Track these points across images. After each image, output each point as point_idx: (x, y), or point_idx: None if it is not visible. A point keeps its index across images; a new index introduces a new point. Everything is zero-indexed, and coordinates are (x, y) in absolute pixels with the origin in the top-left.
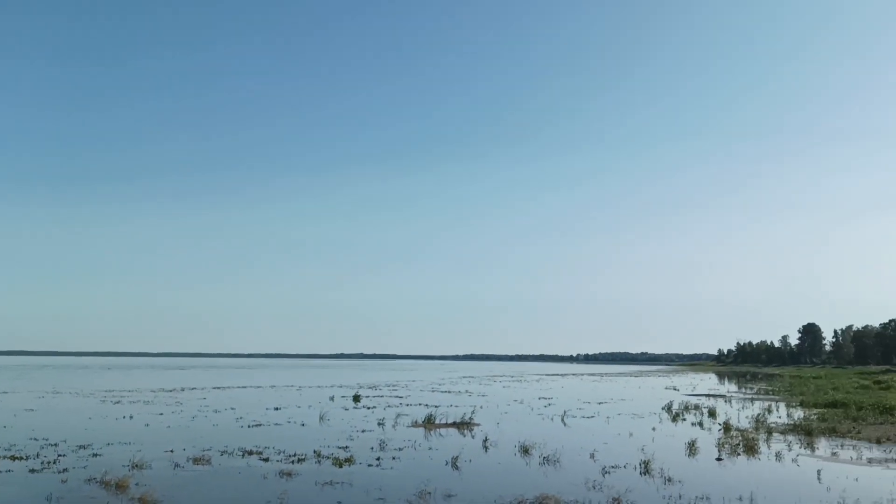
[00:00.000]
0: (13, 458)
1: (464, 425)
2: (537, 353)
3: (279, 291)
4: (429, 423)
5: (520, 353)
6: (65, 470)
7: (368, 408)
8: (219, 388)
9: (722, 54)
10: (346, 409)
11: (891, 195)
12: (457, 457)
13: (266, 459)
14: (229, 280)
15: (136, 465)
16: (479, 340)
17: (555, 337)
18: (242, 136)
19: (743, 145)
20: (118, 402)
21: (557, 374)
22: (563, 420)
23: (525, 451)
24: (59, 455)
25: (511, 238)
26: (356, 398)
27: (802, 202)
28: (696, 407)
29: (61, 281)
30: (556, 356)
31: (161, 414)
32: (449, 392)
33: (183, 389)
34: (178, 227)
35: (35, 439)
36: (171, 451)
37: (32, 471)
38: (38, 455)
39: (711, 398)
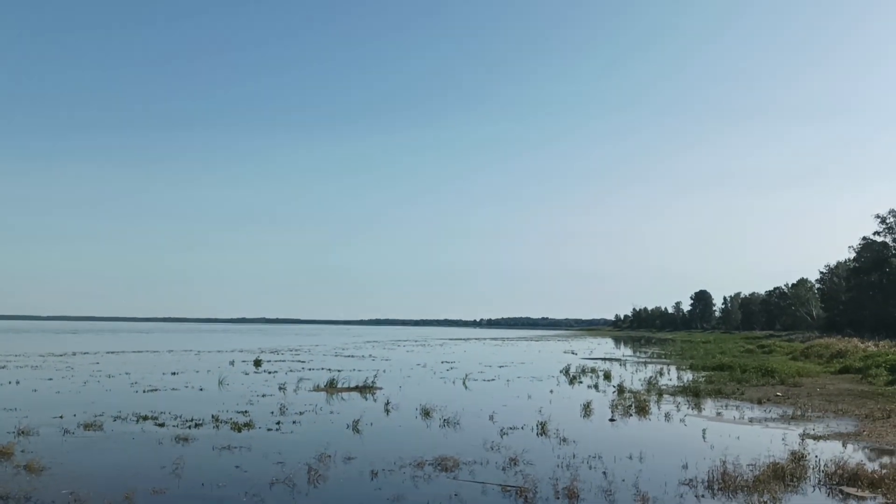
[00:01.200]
0: None
1: (366, 389)
2: (441, 318)
3: (175, 251)
4: (331, 387)
5: (424, 318)
6: None
7: (270, 372)
8: (112, 352)
9: (656, 32)
10: (247, 374)
11: (793, 171)
12: (358, 420)
13: (162, 425)
14: (122, 238)
15: (23, 432)
16: (383, 305)
17: (458, 302)
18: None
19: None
20: (3, 367)
21: (461, 339)
22: (464, 383)
23: (426, 413)
24: None
25: (414, 202)
26: (257, 363)
27: (716, 176)
28: (593, 370)
29: None
30: (460, 321)
31: (50, 379)
32: (352, 357)
33: (74, 354)
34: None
35: None
36: (61, 417)
37: None
38: None
39: (607, 362)
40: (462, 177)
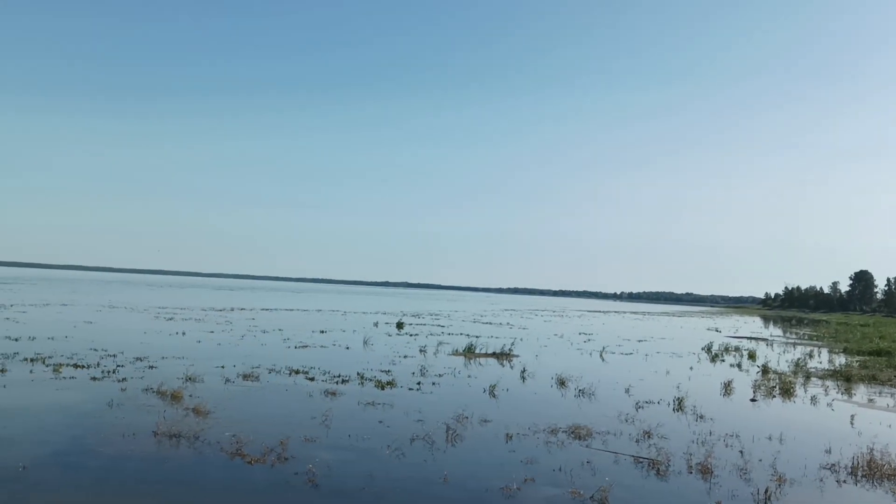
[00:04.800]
0: (76, 366)
1: (503, 356)
2: (581, 289)
3: (329, 218)
4: (469, 352)
5: (563, 289)
6: (123, 380)
7: (411, 335)
8: (267, 309)
9: None
10: (390, 336)
11: None
12: (494, 385)
13: (312, 379)
14: (280, 205)
15: (190, 379)
16: (523, 274)
17: (599, 274)
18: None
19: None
20: (171, 319)
21: (599, 311)
22: (601, 355)
23: (561, 382)
24: (118, 366)
25: (560, 174)
26: (399, 325)
27: (880, 143)
28: (737, 349)
29: (116, 198)
30: (600, 293)
31: (212, 332)
32: (490, 324)
33: (232, 309)
34: (235, 151)
35: (95, 350)
36: (222, 367)
37: (94, 379)
38: (98, 364)
39: (753, 341)
40: (613, 150)
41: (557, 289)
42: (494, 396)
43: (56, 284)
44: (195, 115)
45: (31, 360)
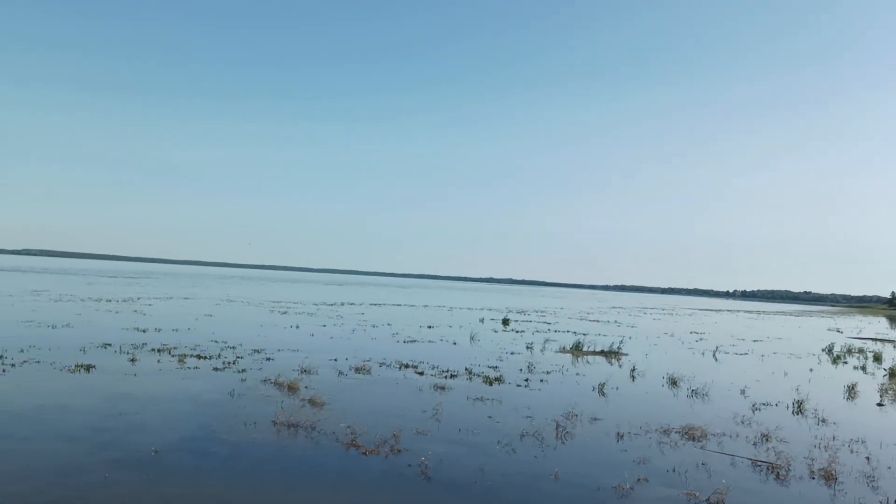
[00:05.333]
0: (199, 357)
1: (611, 354)
2: (691, 287)
3: (433, 216)
4: (576, 349)
5: (672, 287)
6: (243, 370)
7: (517, 331)
8: (375, 304)
9: None
10: (496, 332)
11: None
12: (603, 384)
13: (421, 373)
14: (389, 205)
15: (305, 370)
16: (630, 272)
17: (710, 272)
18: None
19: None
20: (285, 313)
21: (711, 310)
22: (714, 355)
23: (673, 382)
24: (237, 357)
25: (681, 170)
26: (505, 322)
27: None
28: (861, 350)
29: (233, 197)
30: (711, 291)
31: (324, 326)
32: (597, 321)
33: (343, 304)
34: (346, 154)
35: (216, 341)
36: (335, 360)
37: (216, 369)
38: (219, 356)
39: (879, 343)
40: (716, 139)
41: (666, 286)
42: (604, 395)
43: (179, 279)
44: (311, 118)
45: (158, 350)
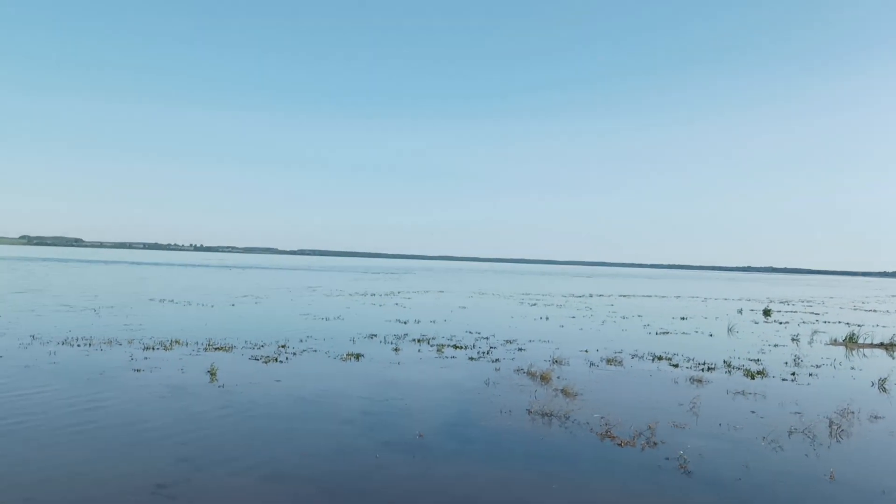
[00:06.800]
0: (456, 347)
1: (892, 346)
2: None
3: (683, 203)
4: (850, 341)
5: None
6: (496, 360)
7: (780, 322)
8: (624, 296)
9: None
10: (756, 323)
11: None
12: (885, 379)
13: (676, 365)
14: (630, 194)
15: (557, 361)
16: None
17: None
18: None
19: None
20: (534, 305)
21: None
22: None
23: None
24: (491, 347)
25: None
26: (766, 312)
27: None
28: None
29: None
30: None
31: (573, 317)
32: (874, 311)
33: (591, 296)
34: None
35: (470, 332)
36: (586, 351)
37: (471, 359)
38: (473, 346)
39: None
40: None
41: None
42: (885, 391)
43: (434, 274)
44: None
45: (418, 340)
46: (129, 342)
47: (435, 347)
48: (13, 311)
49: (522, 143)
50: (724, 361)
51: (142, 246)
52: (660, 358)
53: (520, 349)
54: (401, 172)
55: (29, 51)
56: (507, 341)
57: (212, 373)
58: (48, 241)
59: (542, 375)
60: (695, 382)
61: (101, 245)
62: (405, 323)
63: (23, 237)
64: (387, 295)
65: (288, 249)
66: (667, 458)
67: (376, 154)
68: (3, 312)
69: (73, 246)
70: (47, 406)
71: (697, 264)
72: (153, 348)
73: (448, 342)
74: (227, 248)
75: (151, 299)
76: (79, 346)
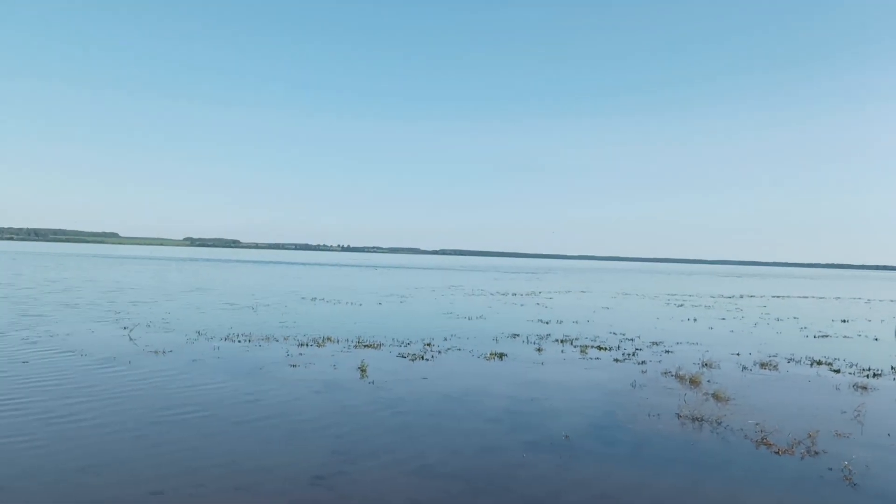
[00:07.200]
0: (600, 348)
1: None
2: None
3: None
4: None
5: None
6: (643, 362)
7: None
8: (778, 296)
9: None
10: None
11: None
12: None
13: (837, 371)
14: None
15: (706, 364)
16: None
17: None
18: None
19: None
20: (681, 306)
21: None
22: None
23: None
24: (636, 349)
25: None
26: None
27: None
28: None
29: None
30: None
31: (723, 319)
32: None
33: (741, 296)
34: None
35: (614, 333)
36: (737, 354)
37: (616, 360)
38: (618, 347)
39: None
40: None
41: None
42: None
43: (575, 274)
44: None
45: (561, 341)
46: (285, 339)
47: (578, 348)
48: (182, 308)
49: (658, 141)
50: (893, 367)
51: (293, 247)
52: (819, 363)
53: (666, 351)
54: (537, 171)
55: (223, 66)
56: (653, 343)
57: (362, 369)
58: (209, 243)
59: (691, 379)
60: (859, 389)
61: (256, 246)
62: (547, 323)
63: (186, 238)
64: (528, 295)
65: (430, 249)
66: (830, 469)
67: (514, 150)
68: (173, 310)
69: (230, 247)
70: (213, 397)
71: (858, 263)
72: (307, 345)
73: (592, 343)
74: (373, 248)
75: (304, 298)
76: (239, 342)
